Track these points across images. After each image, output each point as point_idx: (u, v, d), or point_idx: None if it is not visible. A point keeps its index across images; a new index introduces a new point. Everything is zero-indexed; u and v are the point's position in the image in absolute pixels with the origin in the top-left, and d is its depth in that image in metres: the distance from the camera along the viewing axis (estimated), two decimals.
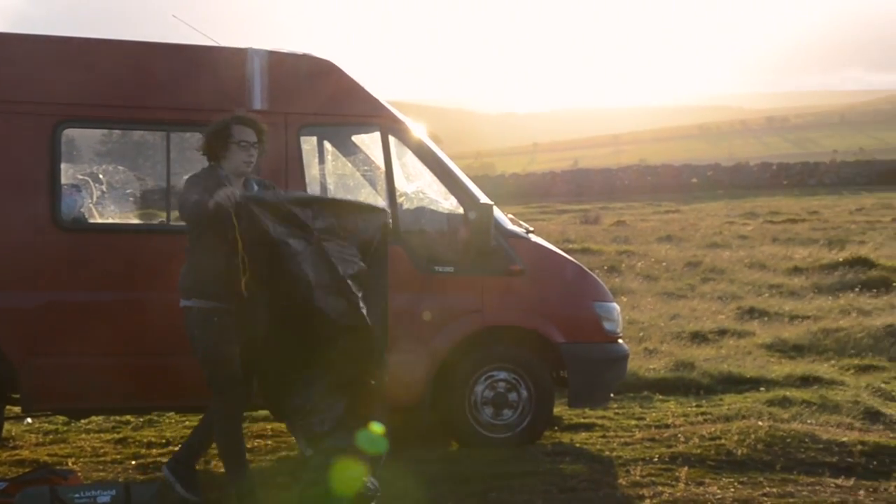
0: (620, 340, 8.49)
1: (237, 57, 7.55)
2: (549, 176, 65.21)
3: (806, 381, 10.21)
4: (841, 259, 18.68)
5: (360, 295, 6.15)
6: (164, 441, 8.46)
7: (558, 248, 8.86)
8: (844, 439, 7.77)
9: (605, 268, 19.04)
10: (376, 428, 7.70)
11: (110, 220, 8.16)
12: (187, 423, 9.05)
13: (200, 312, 6.19)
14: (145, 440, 8.50)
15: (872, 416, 8.77)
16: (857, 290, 15.94)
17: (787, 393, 9.42)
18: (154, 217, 9.49)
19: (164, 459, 7.83)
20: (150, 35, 8.34)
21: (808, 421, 8.44)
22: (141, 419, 9.09)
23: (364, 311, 6.15)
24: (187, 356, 6.49)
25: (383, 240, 6.45)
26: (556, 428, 8.67)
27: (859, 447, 7.63)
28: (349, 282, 6.11)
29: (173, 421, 9.13)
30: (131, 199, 8.69)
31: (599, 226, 32.40)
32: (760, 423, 8.15)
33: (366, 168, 8.71)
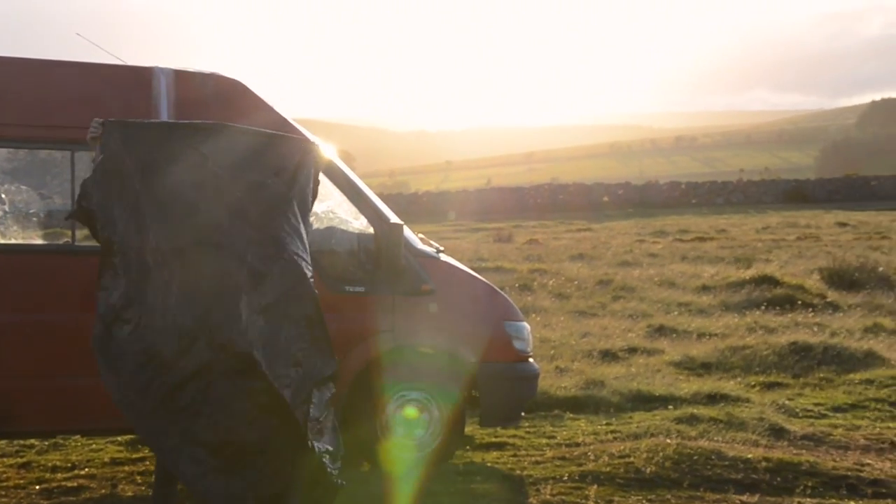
0: (531, 359, 8.53)
1: (143, 76, 7.45)
2: (462, 194, 65.50)
3: (713, 398, 10.36)
4: (747, 277, 19.02)
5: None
6: (69, 465, 8.27)
7: (471, 266, 8.89)
8: (749, 456, 7.91)
9: (518, 286, 19.14)
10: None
11: (13, 241, 7.98)
12: (94, 445, 8.88)
13: None
14: (50, 464, 8.30)
15: (777, 432, 8.93)
16: (762, 307, 16.24)
17: (695, 410, 9.55)
18: (60, 237, 9.30)
19: (70, 484, 7.69)
20: (53, 53, 8.14)
21: (715, 438, 8.57)
22: (46, 443, 8.88)
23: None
24: (92, 378, 6.34)
25: (307, 171, 6.31)
26: (467, 447, 8.67)
27: (764, 464, 7.78)
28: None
29: (79, 444, 8.93)
30: (35, 219, 8.50)
31: (512, 244, 32.62)
32: (668, 440, 8.25)
33: None
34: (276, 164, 6.25)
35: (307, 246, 6.30)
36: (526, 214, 55.37)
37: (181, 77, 7.54)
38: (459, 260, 8.74)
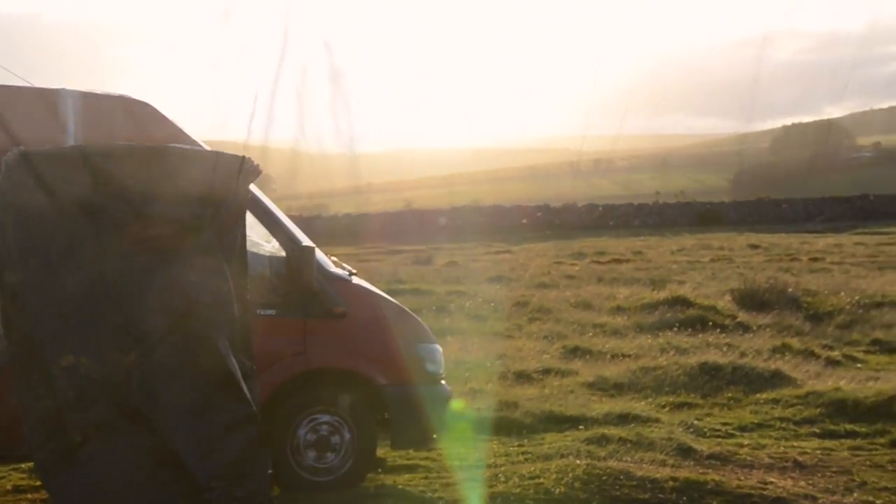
0: (443, 381, 8.58)
1: (49, 98, 7.36)
2: (382, 216, 65.51)
3: (624, 418, 10.50)
4: (661, 298, 19.28)
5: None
6: None
7: (389, 288, 8.93)
8: (657, 476, 8.03)
9: (435, 308, 19.17)
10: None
11: None
12: None
13: None
14: None
15: (684, 451, 9.08)
16: (675, 328, 16.47)
17: (606, 431, 9.67)
18: None
19: None
20: None
21: (625, 458, 8.68)
22: None
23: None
24: None
25: (234, 194, 6.23)
26: (379, 470, 8.67)
27: (670, 483, 7.90)
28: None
29: None
30: None
31: (432, 266, 32.66)
32: (578, 461, 8.34)
33: None
34: (199, 189, 6.19)
35: (227, 276, 6.25)
36: (446, 237, 55.48)
37: (89, 99, 7.46)
38: (378, 282, 8.78)
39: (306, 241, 7.95)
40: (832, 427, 10.36)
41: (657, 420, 10.47)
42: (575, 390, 12.14)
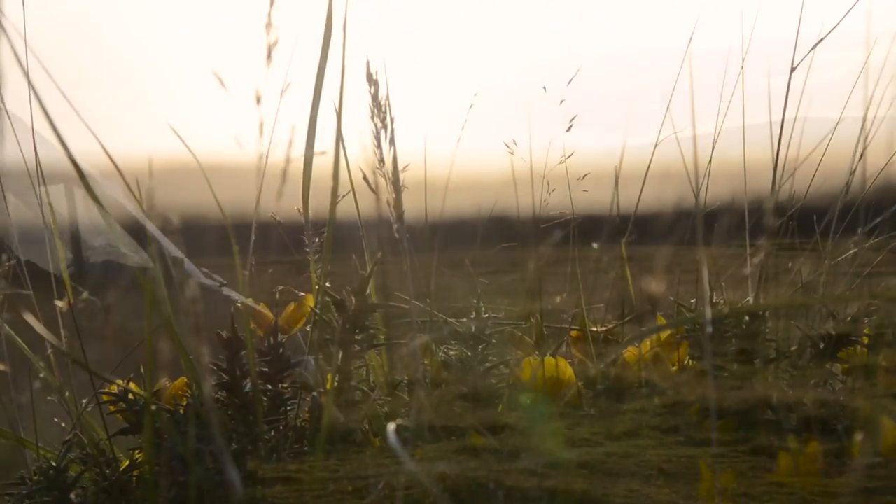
0: (316, 394, 8.59)
1: None
2: (269, 226, 65.20)
3: (495, 429, 10.61)
4: (537, 310, 19.58)
5: None
6: None
7: (266, 300, 8.89)
8: (526, 485, 8.15)
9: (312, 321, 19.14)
10: None
11: None
12: None
13: None
14: None
15: (554, 461, 9.23)
16: (550, 339, 16.73)
17: (477, 442, 9.77)
18: None
19: None
20: None
21: (494, 468, 8.78)
22: None
23: None
24: None
25: None
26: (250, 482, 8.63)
27: (538, 493, 8.03)
28: None
29: None
30: None
31: (310, 277, 32.56)
32: (448, 471, 8.43)
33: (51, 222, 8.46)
34: None
35: None
36: (328, 249, 55.38)
37: None
38: (253, 294, 8.75)
39: (175, 252, 7.88)
40: (697, 435, 10.64)
41: (529, 430, 10.62)
42: (448, 401, 12.24)
